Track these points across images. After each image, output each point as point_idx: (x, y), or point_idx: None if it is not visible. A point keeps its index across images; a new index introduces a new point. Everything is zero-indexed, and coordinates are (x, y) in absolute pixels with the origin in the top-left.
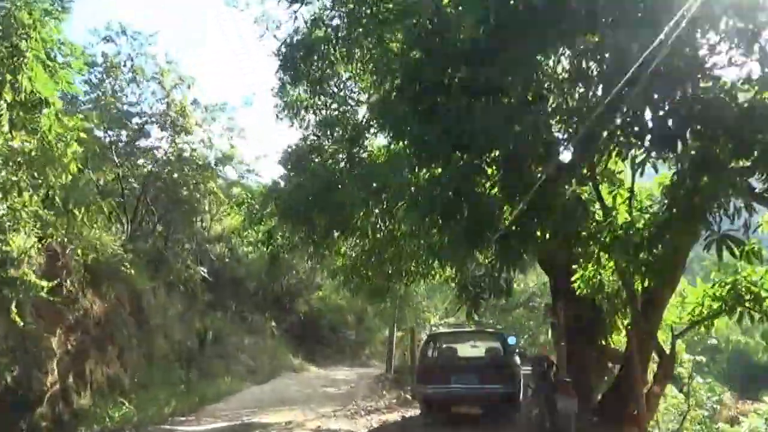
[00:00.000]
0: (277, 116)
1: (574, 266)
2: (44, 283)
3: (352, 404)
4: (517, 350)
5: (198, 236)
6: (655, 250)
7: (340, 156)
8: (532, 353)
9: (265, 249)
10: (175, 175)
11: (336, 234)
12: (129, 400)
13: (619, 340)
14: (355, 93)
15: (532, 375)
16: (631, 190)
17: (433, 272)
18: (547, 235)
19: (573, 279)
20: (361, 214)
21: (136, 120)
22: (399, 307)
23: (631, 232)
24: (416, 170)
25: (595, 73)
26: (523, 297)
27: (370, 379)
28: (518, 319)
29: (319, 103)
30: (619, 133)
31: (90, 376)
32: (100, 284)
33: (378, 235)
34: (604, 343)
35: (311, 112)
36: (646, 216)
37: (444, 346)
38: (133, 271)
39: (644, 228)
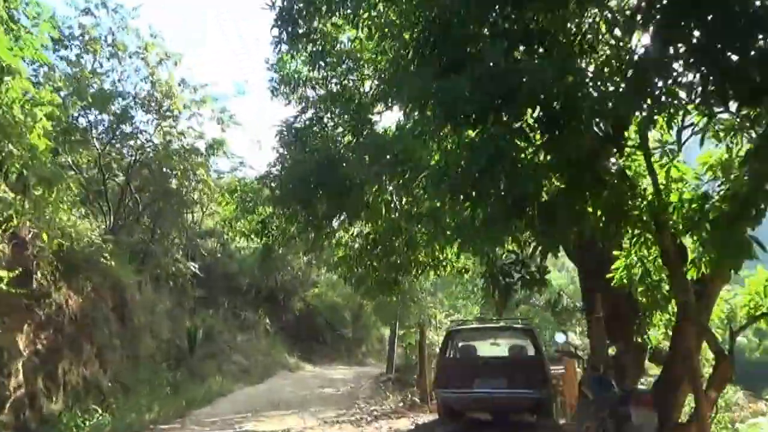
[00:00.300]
0: (272, 92)
1: (616, 252)
2: (3, 273)
3: (354, 408)
4: (569, 350)
5: (188, 231)
6: (736, 228)
7: (345, 128)
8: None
9: (258, 240)
10: (164, 168)
11: (340, 218)
12: (107, 404)
13: (655, 339)
14: (360, 64)
15: (587, 381)
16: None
17: (444, 263)
18: (599, 213)
19: (613, 268)
20: (373, 190)
21: (118, 101)
22: (403, 303)
23: (707, 207)
24: (442, 135)
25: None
26: (523, 293)
27: (370, 378)
28: (524, 315)
29: (319, 77)
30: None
31: (63, 379)
32: (77, 277)
33: (393, 216)
34: (639, 341)
35: (310, 86)
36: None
37: (465, 343)
38: (113, 263)
39: (723, 202)
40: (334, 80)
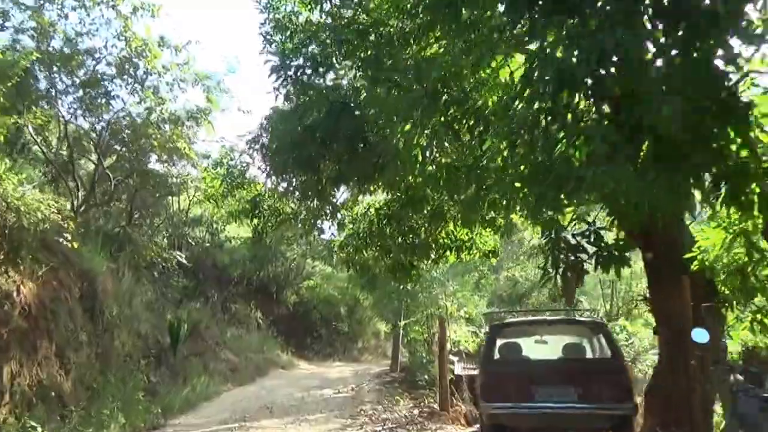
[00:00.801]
0: (264, 38)
1: (712, 225)
2: None
3: (361, 415)
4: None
5: (174, 218)
6: None
7: (360, 67)
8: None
9: (248, 222)
10: (141, 140)
11: (350, 184)
12: (68, 413)
13: (737, 336)
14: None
15: (737, 397)
16: None
17: (469, 245)
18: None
19: (701, 245)
20: (405, 130)
21: (86, 60)
22: (410, 294)
23: None
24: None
25: None
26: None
27: (372, 378)
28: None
29: (322, 20)
30: None
31: (11, 383)
32: (28, 260)
33: (429, 168)
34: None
35: (311, 34)
36: None
37: (509, 341)
38: (80, 247)
39: None
40: (343, 21)
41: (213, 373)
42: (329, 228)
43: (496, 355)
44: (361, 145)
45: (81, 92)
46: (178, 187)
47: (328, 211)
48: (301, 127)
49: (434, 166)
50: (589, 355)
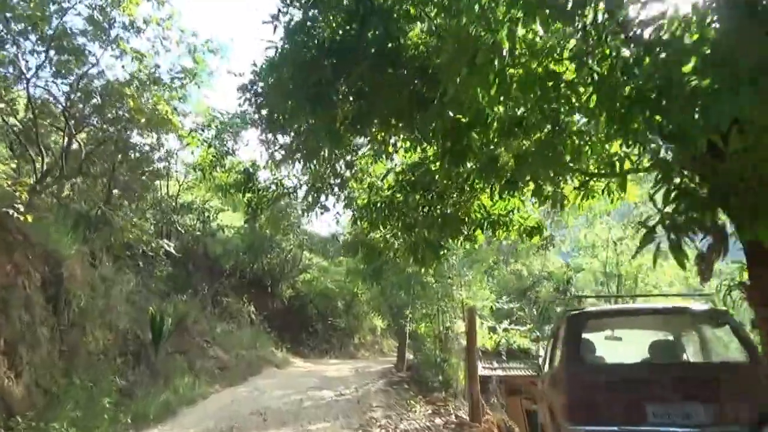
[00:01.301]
0: None
1: None
2: None
3: (372, 425)
4: None
5: (163, 204)
6: None
7: None
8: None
9: (241, 196)
10: (117, 107)
11: (377, 123)
12: (13, 425)
13: None
14: None
15: None
16: None
17: (508, 220)
18: None
19: None
20: (476, 7)
21: (54, 12)
22: (422, 285)
23: None
24: None
25: None
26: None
27: (375, 377)
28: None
29: None
30: None
31: None
32: None
33: (512, 71)
34: None
35: None
36: None
37: (608, 339)
38: (30, 218)
39: None
40: None
41: (199, 372)
42: (334, 206)
43: (581, 356)
44: (391, 69)
45: (45, 47)
46: (166, 168)
47: (333, 184)
48: (310, 46)
49: (517, 71)
50: (711, 357)
